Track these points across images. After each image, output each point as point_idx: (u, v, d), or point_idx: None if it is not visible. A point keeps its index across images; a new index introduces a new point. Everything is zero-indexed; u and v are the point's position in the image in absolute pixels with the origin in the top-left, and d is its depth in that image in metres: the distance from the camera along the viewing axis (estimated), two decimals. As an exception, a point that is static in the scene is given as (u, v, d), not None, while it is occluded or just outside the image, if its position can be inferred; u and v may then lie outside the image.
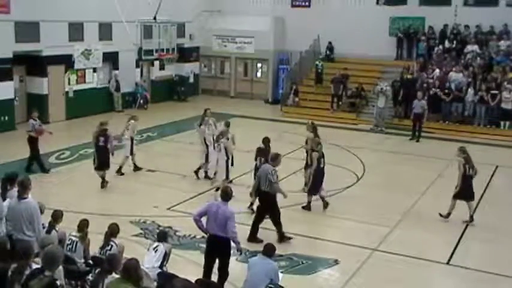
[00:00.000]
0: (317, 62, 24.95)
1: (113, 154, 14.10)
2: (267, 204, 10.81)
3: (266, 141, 12.82)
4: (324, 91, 24.39)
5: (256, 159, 12.70)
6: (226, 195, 8.47)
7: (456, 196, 12.27)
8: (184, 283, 5.85)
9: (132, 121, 15.41)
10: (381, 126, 21.67)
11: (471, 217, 12.21)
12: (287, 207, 12.88)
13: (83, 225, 8.17)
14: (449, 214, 12.30)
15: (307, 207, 12.66)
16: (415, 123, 19.95)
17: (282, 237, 10.78)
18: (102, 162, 13.88)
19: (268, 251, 7.61)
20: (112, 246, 7.95)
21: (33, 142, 14.65)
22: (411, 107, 22.18)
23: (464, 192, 12.20)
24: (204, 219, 8.56)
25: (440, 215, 12.35)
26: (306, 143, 14.01)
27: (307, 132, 14.23)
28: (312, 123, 14.64)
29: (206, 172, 14.72)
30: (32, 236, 7.51)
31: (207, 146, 14.60)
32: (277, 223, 10.83)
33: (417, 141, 19.74)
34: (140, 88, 24.97)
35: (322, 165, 12.60)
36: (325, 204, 12.74)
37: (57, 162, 16.15)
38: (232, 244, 8.50)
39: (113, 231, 8.13)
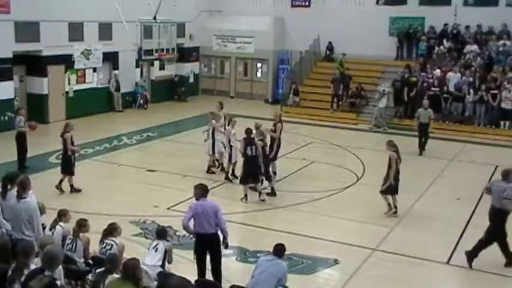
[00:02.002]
0: (340, 58, 24.73)
1: (69, 158, 13.31)
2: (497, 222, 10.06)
3: (249, 131, 13.24)
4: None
5: (246, 149, 12.97)
6: (206, 191, 8.55)
7: (386, 191, 12.36)
8: (180, 281, 5.86)
9: (213, 121, 15.08)
10: (383, 126, 21.69)
11: (396, 208, 12.39)
12: (287, 207, 12.92)
13: (79, 224, 8.21)
14: (395, 208, 12.41)
15: (271, 193, 13.35)
16: (421, 134, 18.04)
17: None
18: (61, 166, 13.62)
19: (278, 252, 7.57)
20: (112, 245, 7.96)
21: (22, 139, 14.69)
22: (412, 107, 22.30)
23: (395, 186, 12.29)
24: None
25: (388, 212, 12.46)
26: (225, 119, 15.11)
27: (217, 110, 15.43)
28: (220, 102, 15.86)
29: (227, 173, 14.71)
30: (31, 236, 7.50)
31: (231, 146, 14.56)
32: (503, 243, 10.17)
33: (423, 150, 17.89)
34: (140, 88, 24.98)
35: (250, 154, 12.89)
36: (259, 194, 13.06)
37: (57, 162, 16.05)
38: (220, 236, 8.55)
39: (111, 230, 8.15)
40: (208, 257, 8.60)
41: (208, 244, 8.48)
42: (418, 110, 18.66)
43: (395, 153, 12.29)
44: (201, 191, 8.53)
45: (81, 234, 8.20)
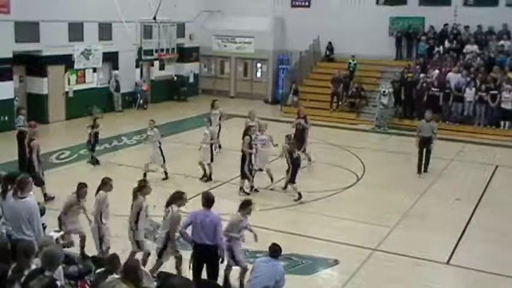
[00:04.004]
0: (350, 60, 24.68)
1: (35, 170, 12.30)
2: None
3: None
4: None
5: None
6: (210, 202, 8.24)
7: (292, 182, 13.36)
8: (182, 281, 5.86)
9: (209, 129, 14.95)
10: (384, 126, 21.72)
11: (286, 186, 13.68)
12: (286, 207, 12.92)
13: (139, 185, 9.03)
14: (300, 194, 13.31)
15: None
16: (422, 150, 15.67)
17: None
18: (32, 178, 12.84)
19: (274, 252, 7.48)
20: (169, 212, 8.54)
21: (23, 138, 14.62)
22: (411, 107, 22.33)
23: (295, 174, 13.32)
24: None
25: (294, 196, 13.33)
26: None
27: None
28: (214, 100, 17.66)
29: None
30: (31, 236, 7.48)
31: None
32: None
33: (425, 171, 15.72)
34: (139, 88, 24.94)
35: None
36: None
37: (57, 162, 16.15)
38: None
39: (175, 198, 8.65)
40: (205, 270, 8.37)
41: (204, 256, 8.22)
42: (419, 122, 16.43)
43: (289, 145, 13.33)
44: (204, 201, 8.28)
45: (141, 197, 8.81)
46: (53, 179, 14.44)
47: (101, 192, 9.11)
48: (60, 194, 13.07)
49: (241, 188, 13.66)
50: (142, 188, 8.90)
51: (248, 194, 13.44)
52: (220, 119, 17.34)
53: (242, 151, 13.62)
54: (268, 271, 7.30)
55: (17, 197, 7.60)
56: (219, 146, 17.15)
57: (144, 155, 17.31)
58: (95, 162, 15.80)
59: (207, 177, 14.63)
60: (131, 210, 9.04)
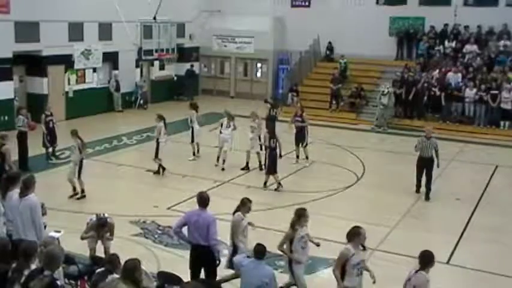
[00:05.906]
0: (340, 60, 24.75)
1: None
2: None
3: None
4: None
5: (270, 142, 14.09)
6: (204, 201, 8.10)
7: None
8: (194, 285, 5.85)
9: (160, 123, 15.10)
10: (384, 126, 21.73)
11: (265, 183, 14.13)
12: (287, 207, 12.91)
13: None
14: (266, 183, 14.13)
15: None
16: (421, 170, 13.72)
17: None
18: None
19: (260, 254, 7.20)
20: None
21: (23, 138, 14.67)
22: (411, 108, 22.33)
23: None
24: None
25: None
26: None
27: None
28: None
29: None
30: (34, 235, 7.46)
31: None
32: None
33: (426, 198, 13.64)
34: (139, 88, 24.92)
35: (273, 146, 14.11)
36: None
37: (57, 162, 16.15)
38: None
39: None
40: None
41: (201, 257, 8.11)
42: (418, 138, 14.06)
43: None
44: (198, 200, 8.16)
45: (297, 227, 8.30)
46: (53, 179, 14.48)
47: (237, 214, 8.64)
48: (59, 194, 13.11)
49: (265, 183, 14.14)
50: (301, 217, 8.17)
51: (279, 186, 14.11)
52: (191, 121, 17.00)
53: (267, 147, 14.19)
54: (256, 277, 7.06)
55: (20, 196, 7.60)
56: (198, 151, 16.87)
57: (145, 155, 17.36)
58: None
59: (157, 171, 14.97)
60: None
